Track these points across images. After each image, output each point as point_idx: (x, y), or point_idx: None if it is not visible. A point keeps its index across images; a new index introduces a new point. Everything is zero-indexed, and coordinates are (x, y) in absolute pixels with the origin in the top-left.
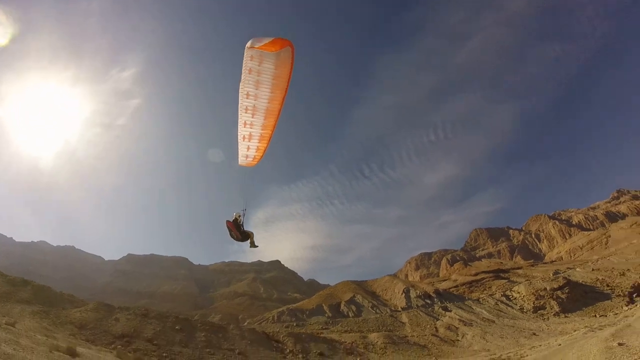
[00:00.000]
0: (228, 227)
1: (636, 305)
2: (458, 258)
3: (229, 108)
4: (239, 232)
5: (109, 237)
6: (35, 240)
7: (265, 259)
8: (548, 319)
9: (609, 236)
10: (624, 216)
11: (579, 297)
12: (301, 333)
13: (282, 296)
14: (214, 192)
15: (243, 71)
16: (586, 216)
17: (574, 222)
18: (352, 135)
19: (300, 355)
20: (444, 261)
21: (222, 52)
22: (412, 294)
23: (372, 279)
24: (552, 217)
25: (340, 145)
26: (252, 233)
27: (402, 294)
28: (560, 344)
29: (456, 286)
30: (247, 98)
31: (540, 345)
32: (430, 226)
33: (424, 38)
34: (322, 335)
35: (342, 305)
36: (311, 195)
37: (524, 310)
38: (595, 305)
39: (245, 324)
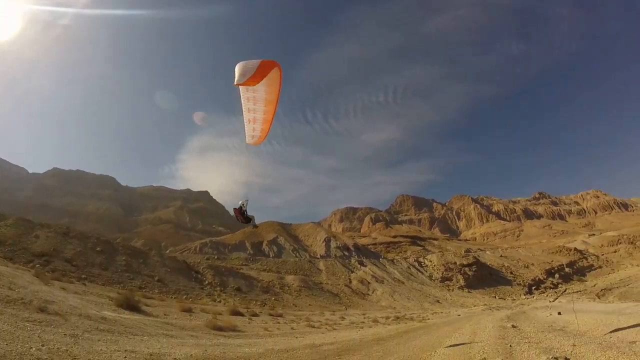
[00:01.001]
0: (235, 214)
1: (533, 297)
2: (381, 218)
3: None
4: (243, 217)
5: (34, 148)
6: None
7: (195, 189)
8: (452, 290)
9: (522, 230)
10: (539, 216)
11: (483, 277)
12: (221, 267)
13: (207, 228)
14: (151, 113)
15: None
16: (506, 207)
17: (493, 210)
18: (304, 79)
19: (218, 288)
20: (367, 219)
21: None
22: (333, 244)
23: (297, 224)
24: (475, 201)
25: (290, 86)
26: (253, 217)
27: (323, 242)
28: (459, 315)
29: (375, 244)
30: (247, 92)
31: (441, 312)
32: (361, 183)
33: None
34: (241, 271)
35: (264, 245)
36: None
37: (433, 278)
38: (497, 288)
39: (167, 251)
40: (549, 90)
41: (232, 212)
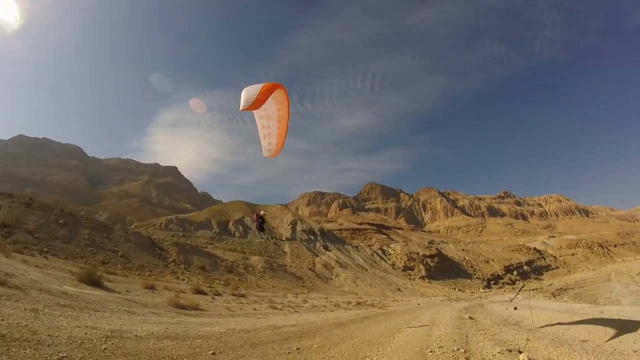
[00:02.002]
0: (255, 219)
1: (491, 291)
2: (349, 205)
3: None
4: (261, 225)
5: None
6: None
7: (163, 163)
8: (414, 279)
9: (485, 227)
10: (503, 214)
11: (444, 269)
12: (186, 244)
13: (174, 204)
14: (121, 82)
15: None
16: (471, 203)
17: (459, 205)
18: (283, 58)
19: (182, 266)
20: (335, 204)
21: None
22: (299, 227)
23: (264, 204)
24: (442, 194)
25: (268, 64)
26: (268, 228)
27: (289, 224)
28: (419, 304)
29: (340, 230)
30: (258, 111)
31: (402, 301)
32: (331, 168)
33: None
34: (206, 249)
35: (230, 224)
36: (224, 107)
37: (395, 267)
38: (457, 280)
39: (132, 227)
40: (523, 93)
41: (200, 190)
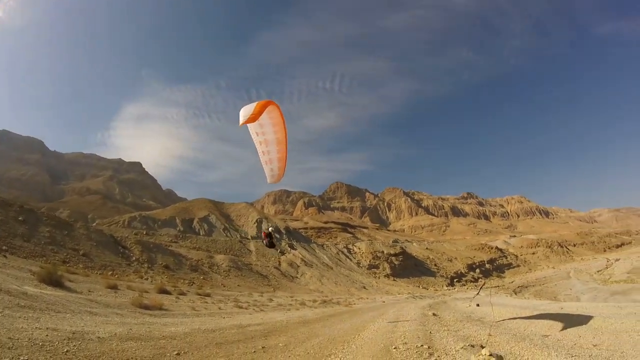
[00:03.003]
0: (263, 236)
1: (454, 288)
2: (314, 204)
3: None
4: (270, 241)
5: None
6: None
7: (127, 159)
8: (379, 278)
9: (449, 226)
10: (466, 214)
11: (409, 267)
12: (150, 242)
13: (137, 201)
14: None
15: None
16: (435, 203)
17: (423, 205)
18: (252, 56)
19: (145, 265)
20: (300, 203)
21: None
22: (264, 225)
23: (230, 203)
24: (406, 194)
25: (237, 62)
26: (278, 243)
27: (254, 223)
28: (384, 301)
29: (306, 228)
30: (257, 136)
31: (367, 298)
32: (297, 167)
33: None
34: (170, 248)
35: (195, 222)
36: (191, 103)
37: (360, 265)
38: (421, 278)
39: (94, 224)
40: (489, 98)
41: (164, 187)
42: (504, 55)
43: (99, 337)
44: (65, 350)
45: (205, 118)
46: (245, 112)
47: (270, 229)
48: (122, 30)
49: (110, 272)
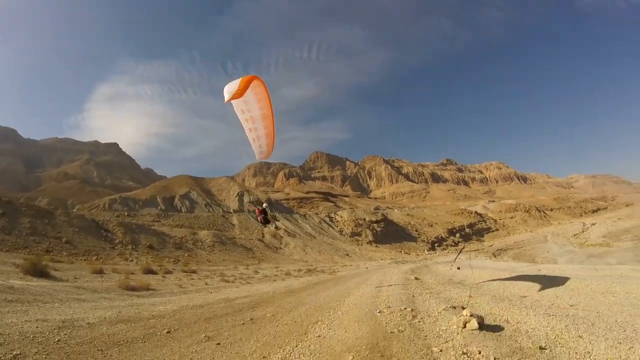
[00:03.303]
0: (255, 212)
1: (435, 253)
2: (295, 174)
3: None
4: (264, 218)
5: None
6: None
7: (103, 140)
8: (362, 244)
9: (429, 192)
10: (445, 181)
11: (391, 233)
12: (132, 223)
13: (116, 183)
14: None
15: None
16: (415, 170)
17: (403, 172)
18: (227, 27)
19: (129, 247)
20: (281, 174)
21: None
22: (246, 198)
23: (210, 177)
24: (386, 162)
25: (212, 33)
26: (273, 220)
27: (236, 196)
28: (367, 268)
29: (288, 199)
30: (243, 113)
31: (351, 265)
32: (277, 138)
33: None
34: (153, 227)
35: (176, 199)
36: (165, 79)
37: (343, 233)
38: (403, 243)
39: (75, 210)
40: (468, 67)
41: (143, 166)
42: (482, 25)
43: (88, 323)
44: (56, 339)
45: (180, 93)
46: (229, 88)
47: (264, 205)
48: (88, 7)
49: (95, 257)
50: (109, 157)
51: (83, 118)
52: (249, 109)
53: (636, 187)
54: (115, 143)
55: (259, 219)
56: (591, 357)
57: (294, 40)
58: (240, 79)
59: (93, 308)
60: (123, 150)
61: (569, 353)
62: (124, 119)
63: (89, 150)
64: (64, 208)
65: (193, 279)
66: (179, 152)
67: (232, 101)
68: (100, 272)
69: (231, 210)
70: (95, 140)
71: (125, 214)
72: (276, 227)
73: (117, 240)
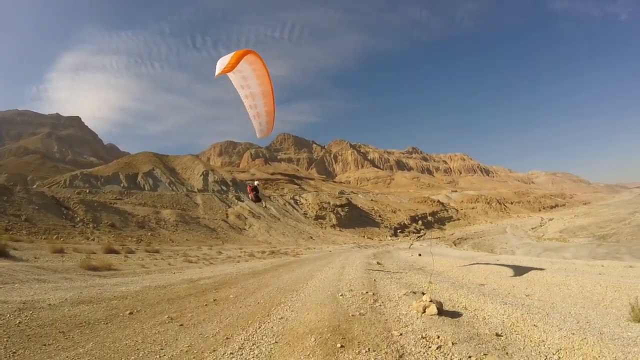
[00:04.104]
0: (248, 190)
1: (398, 239)
2: (261, 155)
3: None
4: (256, 195)
5: None
6: None
7: (65, 113)
8: (325, 228)
9: (393, 179)
10: (410, 169)
11: (354, 218)
12: (94, 201)
13: (77, 158)
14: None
15: (229, 75)
16: (381, 156)
17: (369, 157)
18: (199, 1)
19: (90, 225)
20: (247, 154)
21: None
22: (211, 177)
23: (175, 155)
24: (353, 147)
25: (182, 4)
26: (264, 198)
27: (201, 175)
28: (330, 251)
29: (253, 180)
30: (242, 89)
31: (314, 248)
32: (243, 117)
33: None
34: (115, 205)
35: (139, 177)
36: (132, 50)
37: (307, 216)
38: (366, 228)
39: (35, 186)
40: (439, 58)
41: (105, 141)
42: (457, 17)
43: (50, 305)
44: (17, 322)
45: (147, 66)
46: (222, 62)
47: (256, 183)
48: None
49: (55, 236)
50: (71, 131)
51: (45, 89)
52: (248, 84)
53: (595, 187)
54: (78, 117)
55: (250, 196)
56: (545, 346)
57: (268, 18)
58: (234, 53)
59: (54, 289)
60: (85, 124)
61: (524, 341)
62: (88, 92)
63: (50, 123)
64: (24, 184)
65: (156, 259)
66: (144, 127)
67: (231, 77)
68: (60, 251)
69: (195, 190)
70: (57, 113)
71: (87, 192)
72: (266, 207)
73: (78, 219)
